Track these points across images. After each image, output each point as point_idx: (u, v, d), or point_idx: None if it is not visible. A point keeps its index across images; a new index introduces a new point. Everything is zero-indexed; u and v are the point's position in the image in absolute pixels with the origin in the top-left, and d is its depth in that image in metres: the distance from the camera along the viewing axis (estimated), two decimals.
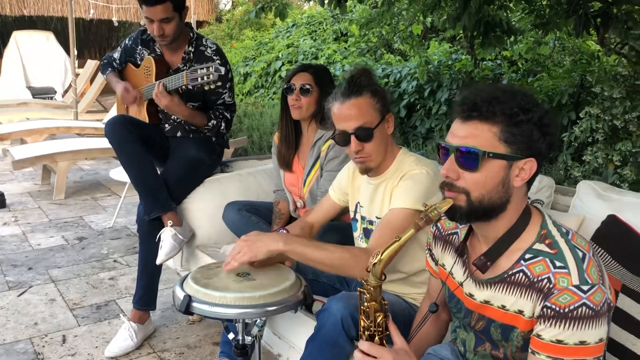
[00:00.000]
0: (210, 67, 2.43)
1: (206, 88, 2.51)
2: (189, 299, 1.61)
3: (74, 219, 4.68)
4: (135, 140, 2.58)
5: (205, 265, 1.84)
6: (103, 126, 6.96)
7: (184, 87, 2.56)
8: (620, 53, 3.75)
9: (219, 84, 2.53)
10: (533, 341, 1.23)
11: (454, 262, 1.43)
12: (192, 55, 2.79)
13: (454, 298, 1.45)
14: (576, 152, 4.56)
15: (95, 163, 6.71)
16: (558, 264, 1.20)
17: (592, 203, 2.07)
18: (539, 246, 1.25)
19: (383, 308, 1.29)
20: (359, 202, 2.04)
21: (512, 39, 5.06)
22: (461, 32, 5.12)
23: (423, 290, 1.91)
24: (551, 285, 1.19)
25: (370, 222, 1.98)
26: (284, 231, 2.49)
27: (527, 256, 1.26)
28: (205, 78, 2.45)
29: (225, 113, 2.85)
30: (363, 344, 1.28)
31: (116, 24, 10.70)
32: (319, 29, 9.03)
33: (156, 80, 2.67)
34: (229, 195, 2.83)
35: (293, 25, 9.36)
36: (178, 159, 2.78)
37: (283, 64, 8.02)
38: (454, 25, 4.57)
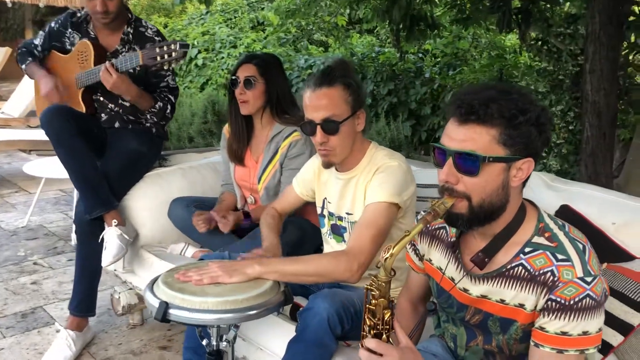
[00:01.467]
0: (173, 45, 2.27)
1: (165, 67, 2.34)
2: (165, 306, 1.49)
3: None
4: (75, 133, 2.38)
5: (172, 269, 1.72)
6: (2, 116, 6.44)
7: (137, 68, 2.38)
8: (540, 49, 3.96)
9: (173, 65, 2.37)
10: (536, 334, 1.25)
11: (446, 259, 1.43)
12: (131, 36, 2.61)
13: (444, 293, 1.45)
14: None
15: None
16: (560, 256, 1.23)
17: (543, 194, 2.16)
18: (538, 239, 1.27)
19: (391, 305, 1.26)
20: (326, 198, 2.00)
21: (435, 32, 5.21)
22: (386, 25, 5.20)
23: (394, 285, 1.90)
24: (555, 278, 1.21)
25: (340, 218, 1.94)
26: (246, 221, 2.41)
27: (527, 250, 1.27)
28: (166, 56, 2.28)
29: (170, 96, 2.69)
30: (370, 342, 1.24)
31: (10, 4, 9.86)
32: (235, 16, 8.85)
33: (95, 66, 2.47)
34: (172, 191, 2.68)
35: (207, 13, 9.09)
36: (117, 152, 2.59)
37: (199, 52, 7.78)
38: (383, 18, 4.62)
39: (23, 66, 2.77)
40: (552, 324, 1.21)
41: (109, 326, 2.75)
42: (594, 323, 1.20)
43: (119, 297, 2.65)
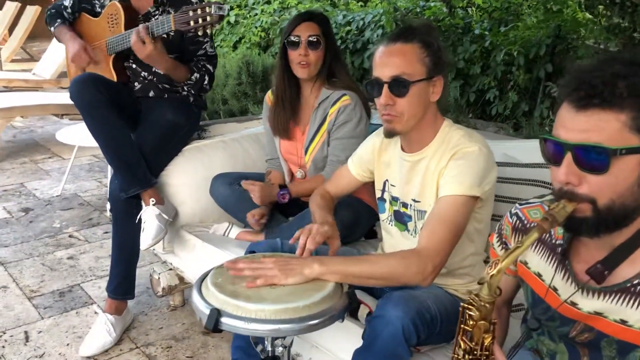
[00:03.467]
0: (208, 8, 2.02)
1: (200, 33, 2.11)
2: (217, 314, 1.30)
3: (14, 186, 4.16)
4: (107, 105, 2.18)
5: (221, 265, 1.53)
6: (34, 77, 6.31)
7: (170, 33, 2.15)
8: (612, 2, 3.56)
9: (208, 31, 2.13)
10: None
11: (549, 265, 1.20)
12: None
13: (542, 303, 1.22)
14: (552, 107, 4.45)
15: (28, 120, 6.06)
16: None
17: None
18: None
19: (492, 328, 1.05)
20: (387, 180, 1.77)
21: None
22: None
23: (464, 280, 1.70)
24: None
25: (405, 205, 1.71)
26: (287, 194, 2.21)
27: None
28: (200, 20, 2.04)
29: (208, 65, 2.47)
30: None
31: None
32: None
33: (126, 30, 2.25)
34: (213, 166, 2.48)
35: None
36: (152, 124, 2.39)
37: (232, 8, 7.47)
38: None
39: (52, 28, 2.57)
40: None
41: (148, 307, 2.61)
42: None
43: (159, 278, 2.50)
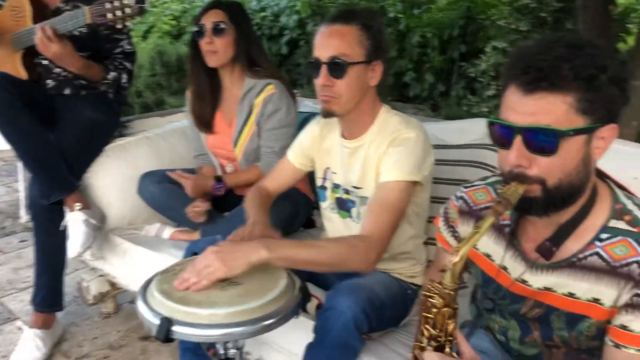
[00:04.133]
0: None
1: (119, 26, 1.98)
2: (168, 323, 1.24)
3: None
4: (18, 105, 2.01)
5: (166, 270, 1.45)
6: None
7: (82, 30, 2.01)
8: None
9: (127, 23, 2.00)
10: (617, 333, 1.07)
11: (498, 245, 1.23)
12: None
13: (492, 283, 1.25)
14: (468, 87, 4.62)
15: None
16: None
17: None
18: (615, 223, 1.08)
19: (454, 314, 1.06)
20: (329, 168, 1.75)
21: None
22: None
23: (407, 264, 1.72)
24: None
25: (347, 191, 1.71)
26: (222, 186, 2.14)
27: (603, 236, 1.08)
28: (119, 13, 1.91)
29: (126, 63, 2.33)
30: (432, 357, 1.04)
31: None
32: None
33: (35, 23, 2.08)
34: (139, 164, 2.36)
35: None
36: (71, 123, 2.23)
37: None
38: None
39: None
40: (639, 322, 1.04)
41: (79, 317, 2.47)
42: None
43: (88, 286, 2.37)
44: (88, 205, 2.16)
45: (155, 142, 2.49)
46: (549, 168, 1.01)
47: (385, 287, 1.60)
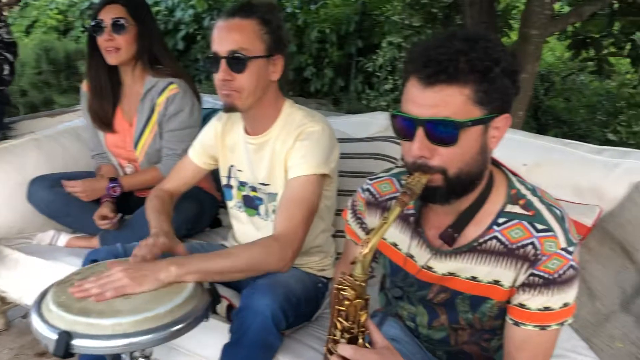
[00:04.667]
0: None
1: None
2: (67, 337, 1.16)
3: None
4: None
5: (62, 281, 1.36)
6: None
7: None
8: None
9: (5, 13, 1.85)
10: (515, 312, 1.14)
11: (404, 235, 1.26)
12: None
13: (400, 271, 1.29)
14: (366, 81, 4.73)
15: None
16: (540, 227, 1.11)
17: None
18: (511, 208, 1.14)
19: (366, 304, 1.07)
20: (233, 166, 1.72)
21: None
22: None
23: (318, 257, 1.73)
24: (537, 252, 1.09)
25: (254, 189, 1.68)
26: (118, 186, 2.04)
27: (501, 220, 1.14)
28: None
29: (6, 54, 2.17)
30: (346, 349, 1.04)
31: None
32: None
33: None
34: (27, 169, 2.20)
35: None
36: None
37: None
38: None
39: None
40: (535, 300, 1.11)
41: None
42: (573, 293, 1.12)
43: None
44: None
45: (45, 144, 2.33)
46: (450, 158, 1.05)
47: (299, 282, 1.60)
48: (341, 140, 2.01)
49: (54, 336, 1.16)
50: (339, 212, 1.82)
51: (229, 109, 1.55)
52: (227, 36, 1.48)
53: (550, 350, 1.15)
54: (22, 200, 2.11)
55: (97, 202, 2.09)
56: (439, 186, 1.07)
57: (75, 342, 1.16)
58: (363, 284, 1.03)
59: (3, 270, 2.09)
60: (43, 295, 1.31)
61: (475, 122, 1.03)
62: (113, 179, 2.08)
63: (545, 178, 1.97)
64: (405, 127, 1.06)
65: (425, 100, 1.03)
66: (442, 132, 1.03)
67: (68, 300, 1.25)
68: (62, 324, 1.19)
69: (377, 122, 2.30)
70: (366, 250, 1.01)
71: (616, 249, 1.80)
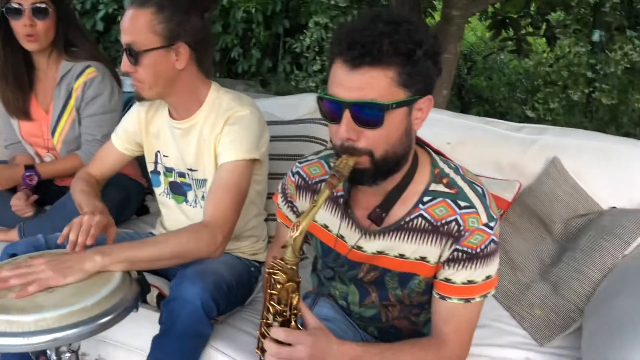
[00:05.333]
0: None
1: None
2: None
3: None
4: None
5: None
6: None
7: None
8: None
9: None
10: (441, 286, 1.18)
11: (334, 216, 1.27)
12: None
13: (331, 252, 1.30)
14: (294, 62, 4.71)
15: None
16: (462, 204, 1.15)
17: None
18: (435, 187, 1.18)
19: (297, 287, 1.08)
20: (159, 151, 1.67)
21: None
22: None
23: (250, 242, 1.73)
24: (461, 228, 1.14)
25: (182, 175, 1.65)
26: (34, 175, 1.95)
27: (425, 199, 1.17)
28: None
29: None
30: (278, 332, 1.05)
31: None
32: None
33: None
34: None
35: None
36: None
37: None
38: None
39: None
40: (459, 275, 1.16)
41: None
42: (495, 266, 1.18)
43: None
44: None
45: None
46: (376, 140, 1.06)
47: (231, 268, 1.58)
48: (270, 123, 2.00)
49: None
50: (270, 196, 1.81)
51: (139, 98, 1.53)
52: (124, 27, 1.45)
53: (475, 320, 1.20)
54: None
55: (9, 192, 1.99)
56: (366, 168, 1.08)
57: None
58: (294, 267, 1.04)
59: None
60: None
61: (399, 104, 1.05)
62: (29, 167, 1.98)
63: (468, 156, 2.05)
64: (332, 110, 1.07)
65: (351, 83, 1.03)
66: (368, 114, 1.04)
67: None
68: None
69: (306, 104, 2.30)
70: (296, 233, 1.01)
71: (534, 221, 1.90)
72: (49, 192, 2.05)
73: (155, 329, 1.43)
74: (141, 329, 1.51)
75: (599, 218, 1.76)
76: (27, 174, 1.96)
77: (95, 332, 1.19)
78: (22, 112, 2.02)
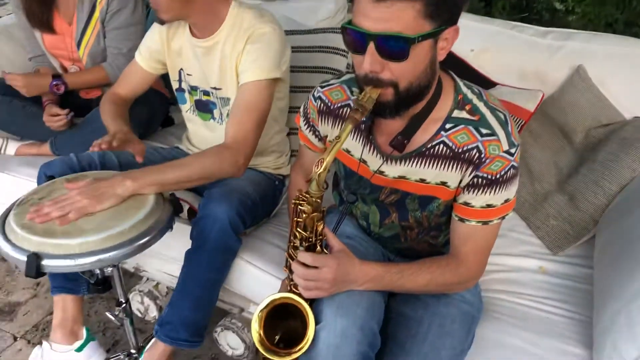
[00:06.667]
0: None
1: None
2: (36, 258, 1.19)
3: None
4: None
5: (20, 201, 1.35)
6: None
7: None
8: None
9: None
10: (461, 209, 1.23)
11: (356, 141, 1.30)
12: None
13: (354, 175, 1.35)
14: None
15: None
16: (484, 131, 1.16)
17: None
18: (458, 113, 1.19)
19: (322, 216, 1.14)
20: (183, 69, 1.68)
21: None
22: None
23: (273, 157, 1.78)
24: (482, 155, 1.16)
25: (206, 93, 1.67)
26: (62, 84, 1.99)
27: (448, 126, 1.19)
28: None
29: None
30: (306, 257, 1.13)
31: None
32: None
33: None
34: None
35: None
36: None
37: None
38: None
39: None
40: (478, 199, 1.20)
41: None
42: (513, 189, 1.21)
43: None
44: None
45: None
46: (401, 72, 1.06)
47: (255, 183, 1.64)
48: (289, 33, 1.97)
49: (23, 258, 1.20)
50: (292, 110, 1.83)
51: (160, 22, 1.53)
52: None
53: (492, 241, 1.26)
54: None
55: (40, 108, 2.03)
56: (389, 101, 1.09)
57: (46, 262, 1.20)
58: (318, 200, 1.09)
59: None
60: (5, 217, 1.32)
61: (425, 37, 1.03)
62: (57, 76, 2.01)
63: (491, 63, 2.03)
64: (356, 41, 1.06)
65: (377, 14, 1.02)
66: (393, 47, 1.03)
67: (31, 223, 1.27)
68: (29, 246, 1.22)
69: (325, 6, 2.24)
70: (320, 169, 1.05)
71: (555, 130, 1.91)
72: (75, 105, 2.09)
73: (187, 241, 1.53)
74: (175, 240, 1.59)
75: (620, 129, 1.76)
76: (55, 82, 1.98)
77: (135, 252, 1.28)
78: (46, 24, 2.01)
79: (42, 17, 1.99)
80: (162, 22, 1.53)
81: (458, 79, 1.22)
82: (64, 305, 1.64)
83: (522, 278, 1.58)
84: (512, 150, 1.16)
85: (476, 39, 2.04)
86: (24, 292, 2.03)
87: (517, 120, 1.87)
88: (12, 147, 2.07)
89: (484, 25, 2.08)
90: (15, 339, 1.88)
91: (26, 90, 1.96)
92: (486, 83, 1.99)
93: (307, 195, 1.09)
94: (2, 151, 2.06)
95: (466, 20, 2.08)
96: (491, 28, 2.07)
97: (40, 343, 1.64)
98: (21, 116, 2.00)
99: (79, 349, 1.64)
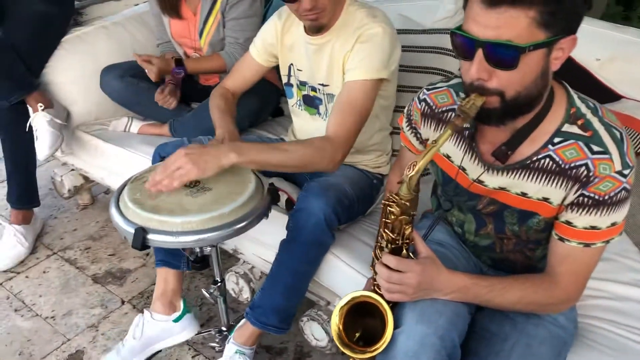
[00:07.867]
0: None
1: None
2: (142, 232, 1.30)
3: None
4: None
5: (135, 177, 1.48)
6: None
7: None
8: None
9: None
10: (562, 228, 1.16)
11: (457, 148, 1.27)
12: None
13: (451, 182, 1.32)
14: None
15: None
16: (596, 148, 1.09)
17: None
18: (569, 128, 1.12)
19: (411, 220, 1.13)
20: (293, 64, 1.73)
21: None
22: None
23: (373, 156, 1.78)
24: (590, 173, 1.09)
25: (314, 89, 1.70)
26: (182, 70, 2.11)
27: (556, 140, 1.12)
28: None
29: None
30: (390, 259, 1.13)
31: None
32: None
33: None
34: (98, 56, 2.29)
35: None
36: (21, 18, 2.12)
37: None
38: None
39: None
40: (582, 220, 1.12)
41: (57, 210, 2.53)
42: (623, 213, 1.12)
43: (62, 180, 2.40)
44: (50, 104, 2.12)
45: (114, 32, 2.39)
46: (509, 81, 1.02)
47: (353, 182, 1.66)
48: (402, 32, 1.95)
49: (132, 230, 1.30)
50: (397, 109, 1.82)
51: (317, 30, 1.56)
52: None
53: (593, 266, 1.18)
54: (97, 89, 2.22)
55: None
56: (494, 108, 1.06)
57: (150, 236, 1.30)
58: (408, 203, 1.08)
59: (84, 154, 2.27)
60: (120, 191, 1.44)
61: (537, 46, 0.99)
62: (179, 62, 2.13)
63: (617, 73, 1.89)
64: (464, 47, 1.04)
65: (488, 21, 0.98)
66: (502, 55, 0.99)
67: (142, 198, 1.38)
68: (137, 220, 1.32)
69: (444, 6, 2.19)
70: (412, 172, 1.04)
71: None
72: (194, 91, 2.22)
73: (283, 229, 1.57)
74: (272, 227, 1.66)
75: None
76: (176, 70, 2.11)
77: (232, 235, 1.35)
78: (175, 10, 2.15)
79: (173, 3, 2.12)
80: (319, 30, 1.56)
81: (572, 91, 1.16)
82: (165, 278, 1.76)
83: (626, 308, 1.46)
84: (626, 172, 1.08)
85: (604, 47, 1.90)
86: (134, 261, 2.21)
87: None
88: (136, 126, 2.24)
89: (614, 33, 1.93)
90: (122, 302, 2.05)
91: (155, 75, 2.09)
92: (609, 95, 1.86)
93: (397, 197, 1.09)
94: (127, 129, 2.24)
95: (595, 27, 1.95)
96: (622, 36, 1.92)
97: (142, 311, 1.77)
98: (145, 98, 2.15)
99: (176, 320, 1.76)
